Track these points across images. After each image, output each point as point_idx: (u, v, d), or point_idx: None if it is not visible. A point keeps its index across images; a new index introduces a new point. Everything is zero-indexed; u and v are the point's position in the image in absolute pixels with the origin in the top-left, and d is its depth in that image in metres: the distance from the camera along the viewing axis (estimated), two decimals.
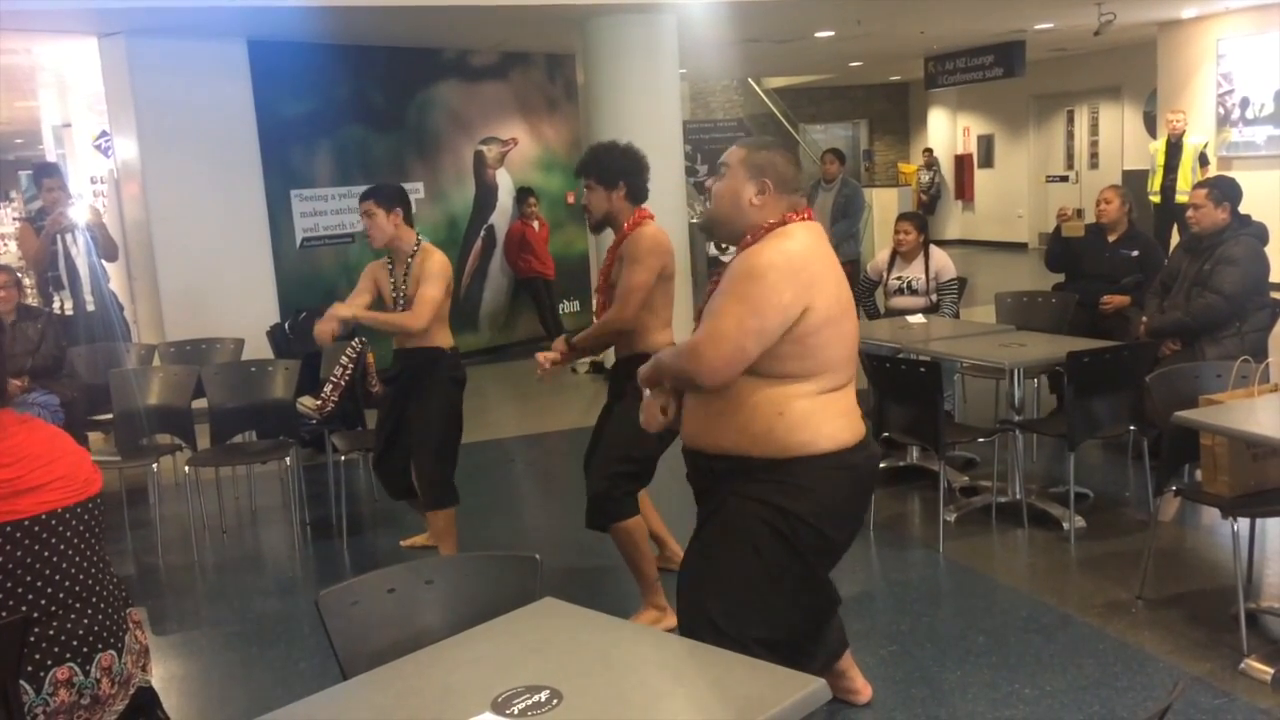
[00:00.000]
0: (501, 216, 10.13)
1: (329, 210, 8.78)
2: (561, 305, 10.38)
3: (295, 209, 8.59)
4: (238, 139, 8.08)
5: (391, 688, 1.99)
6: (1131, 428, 4.88)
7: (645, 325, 3.85)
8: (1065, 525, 4.74)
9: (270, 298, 8.32)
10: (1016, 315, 6.20)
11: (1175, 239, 9.59)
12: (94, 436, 6.27)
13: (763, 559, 2.63)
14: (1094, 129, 15.90)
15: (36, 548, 2.35)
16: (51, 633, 2.37)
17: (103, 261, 6.96)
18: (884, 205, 14.59)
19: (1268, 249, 5.30)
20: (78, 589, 2.42)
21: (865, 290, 6.67)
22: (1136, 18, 10.91)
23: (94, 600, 2.45)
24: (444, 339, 4.48)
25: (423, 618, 2.31)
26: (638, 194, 3.90)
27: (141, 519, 5.54)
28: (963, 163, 17.85)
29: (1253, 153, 11.04)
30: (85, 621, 2.42)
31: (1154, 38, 12.00)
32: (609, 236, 4.01)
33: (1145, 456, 4.94)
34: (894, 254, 6.34)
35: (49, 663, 2.35)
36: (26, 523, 2.34)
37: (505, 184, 10.11)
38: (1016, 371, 5.02)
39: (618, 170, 3.86)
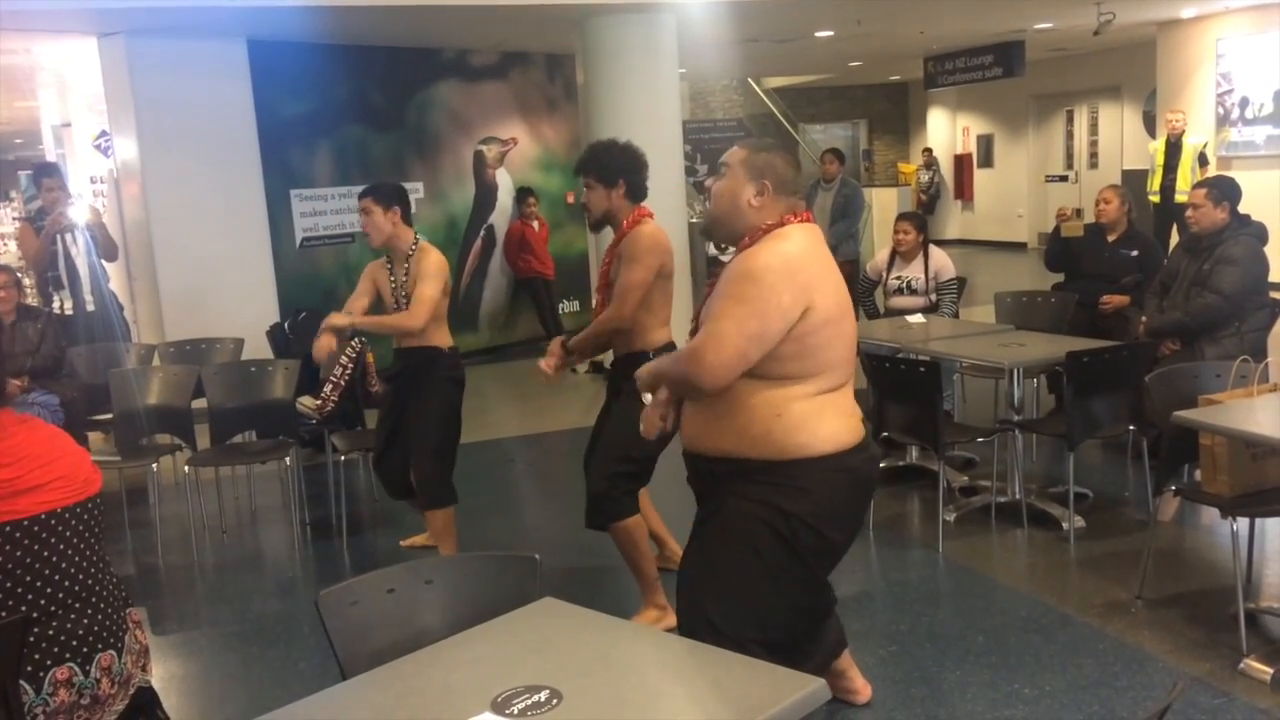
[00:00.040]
0: (501, 216, 10.13)
1: (329, 210, 8.78)
2: (561, 305, 10.38)
3: (295, 209, 8.59)
4: (237, 139, 8.08)
5: (391, 688, 1.99)
6: (1131, 428, 4.88)
7: (643, 324, 3.85)
8: (1065, 525, 4.74)
9: (270, 298, 8.32)
10: (1016, 315, 6.20)
11: (1175, 239, 9.59)
12: (94, 436, 6.27)
13: (762, 560, 2.63)
14: (1093, 129, 15.90)
15: (36, 548, 2.35)
16: (51, 633, 2.37)
17: (102, 261, 6.95)
18: (883, 205, 14.60)
19: (1267, 249, 5.30)
20: (77, 589, 2.42)
21: (865, 290, 6.67)
22: (1136, 17, 10.91)
23: (94, 600, 2.46)
24: (442, 339, 4.48)
25: (422, 618, 2.31)
26: (637, 192, 3.90)
27: (141, 519, 5.54)
28: (962, 162, 17.86)
29: (1252, 152, 11.04)
30: (85, 621, 2.42)
31: (1153, 37, 12.00)
32: (608, 236, 4.01)
33: (1145, 456, 4.94)
34: (893, 254, 6.35)
35: (49, 663, 2.35)
36: (26, 523, 2.34)
37: (505, 184, 10.12)
38: (1016, 371, 5.02)
39: (617, 168, 3.86)
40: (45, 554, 2.37)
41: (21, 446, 2.38)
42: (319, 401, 5.12)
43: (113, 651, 2.47)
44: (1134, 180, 11.28)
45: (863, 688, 3.32)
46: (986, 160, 17.57)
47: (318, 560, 5.16)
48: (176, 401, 5.34)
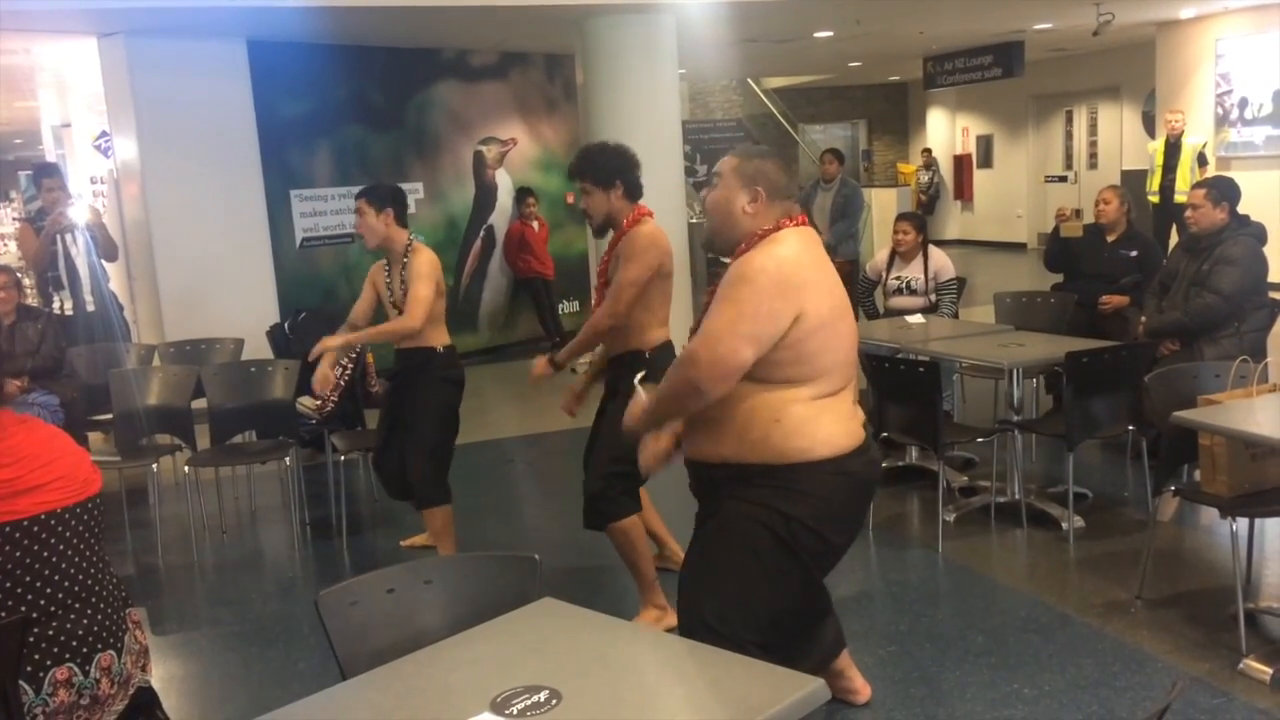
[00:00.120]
0: (501, 216, 10.13)
1: (328, 210, 8.78)
2: (561, 305, 10.38)
3: (295, 209, 8.60)
4: (237, 139, 8.08)
5: (391, 688, 1.99)
6: (1130, 428, 4.88)
7: (641, 323, 3.85)
8: (1064, 525, 4.74)
9: (270, 298, 8.32)
10: (1015, 315, 6.20)
11: (1174, 239, 9.60)
12: (94, 437, 6.27)
13: (761, 562, 2.64)
14: (1093, 129, 15.91)
15: (36, 548, 2.35)
16: (51, 633, 2.37)
17: (102, 261, 6.96)
18: (883, 205, 14.60)
19: (1266, 249, 5.31)
20: (77, 589, 2.42)
21: (864, 290, 6.67)
22: (1135, 18, 10.91)
23: (93, 600, 2.46)
24: (437, 339, 4.48)
25: (422, 618, 2.31)
26: (634, 190, 3.90)
27: (141, 519, 5.54)
28: (962, 163, 17.86)
29: (1251, 153, 11.05)
30: (85, 622, 2.42)
31: (1153, 38, 12.00)
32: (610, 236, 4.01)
33: (1144, 456, 4.94)
34: (893, 254, 6.35)
35: (48, 663, 2.36)
36: (26, 523, 2.34)
37: (504, 184, 10.12)
38: (1015, 371, 5.02)
39: (612, 169, 3.86)
40: (45, 554, 2.37)
41: (21, 447, 2.38)
42: (319, 401, 5.13)
43: (112, 652, 2.47)
44: (1133, 180, 11.28)
45: (862, 688, 3.32)
46: (986, 160, 17.57)
47: (317, 560, 5.17)
48: (176, 402, 5.34)
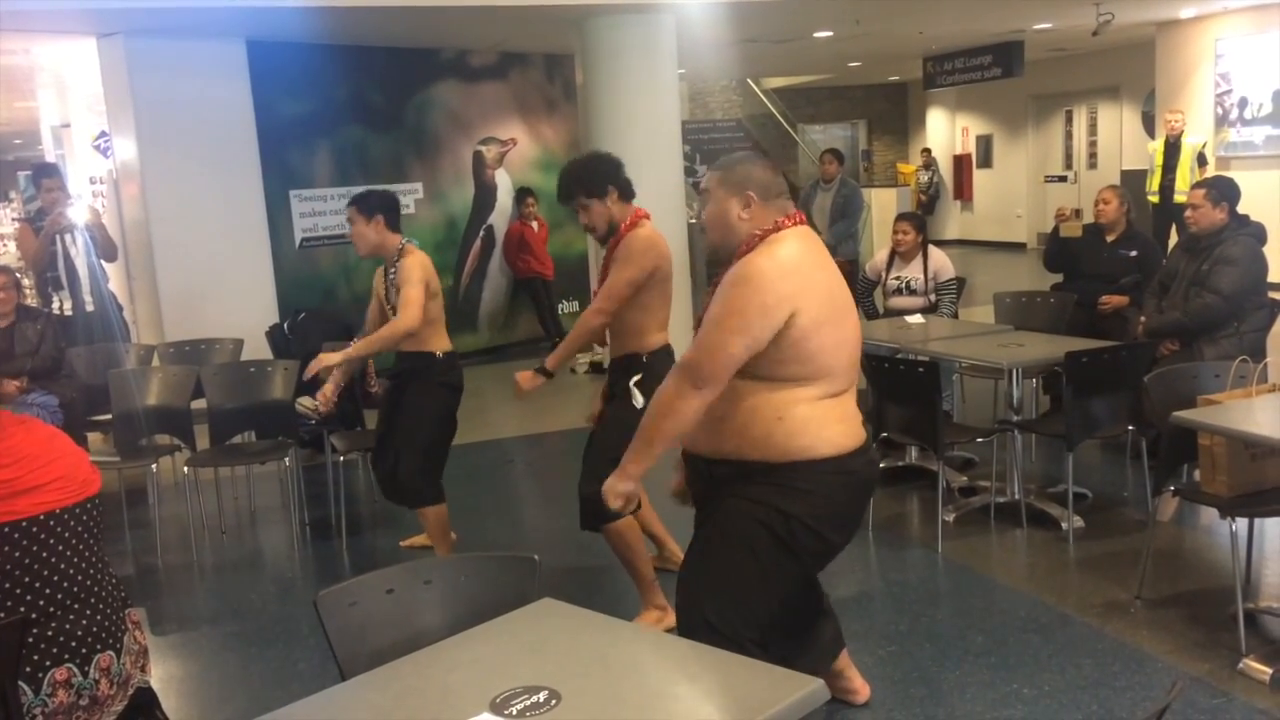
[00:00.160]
0: (500, 217, 10.13)
1: (328, 210, 8.77)
2: (561, 305, 10.38)
3: (294, 209, 8.59)
4: (236, 139, 8.08)
5: (390, 688, 1.99)
6: (1130, 428, 4.88)
7: (641, 326, 3.85)
8: (1064, 525, 4.74)
9: (269, 298, 8.32)
10: (1015, 315, 6.20)
11: (1174, 239, 9.60)
12: (93, 437, 6.27)
13: (759, 560, 2.64)
14: (1092, 129, 15.91)
15: (35, 548, 2.35)
16: (50, 633, 2.37)
17: (102, 262, 6.95)
18: (883, 205, 14.59)
19: (1266, 249, 5.31)
20: (76, 589, 2.42)
21: (864, 290, 6.67)
22: (1135, 18, 10.91)
23: (93, 601, 2.46)
24: (437, 344, 4.47)
25: (421, 618, 2.31)
26: (627, 191, 3.90)
27: (141, 519, 5.54)
28: (961, 163, 17.86)
29: (1251, 153, 11.05)
30: (84, 622, 2.42)
31: (1152, 38, 12.00)
32: None
33: (1144, 456, 4.94)
34: (892, 254, 6.35)
35: (47, 663, 2.35)
36: (25, 523, 2.34)
37: (504, 184, 10.11)
38: (1015, 372, 5.02)
39: (601, 177, 3.85)
40: (44, 555, 2.37)
41: (20, 447, 2.38)
42: (317, 402, 5.13)
43: (111, 652, 2.47)
44: (1133, 180, 11.28)
45: (861, 688, 3.32)
46: (985, 160, 17.57)
47: (317, 561, 5.16)
48: (176, 402, 5.34)
